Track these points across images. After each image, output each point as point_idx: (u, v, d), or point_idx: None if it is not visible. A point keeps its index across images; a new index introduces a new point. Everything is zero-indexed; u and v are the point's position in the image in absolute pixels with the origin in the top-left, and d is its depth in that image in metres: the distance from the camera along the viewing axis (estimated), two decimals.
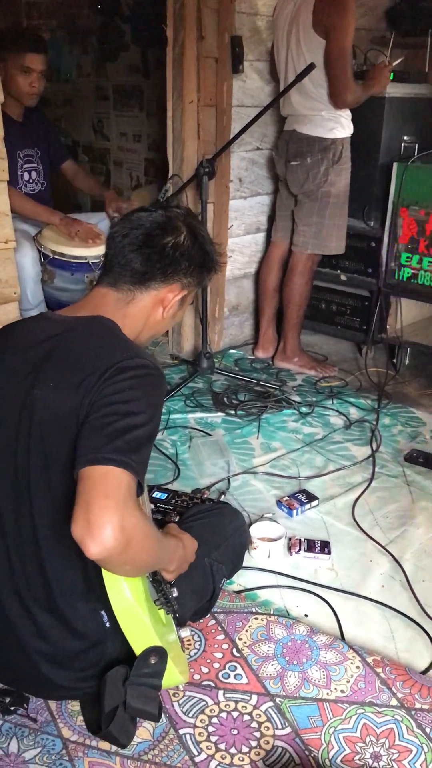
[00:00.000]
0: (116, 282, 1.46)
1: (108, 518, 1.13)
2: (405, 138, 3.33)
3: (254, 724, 1.51)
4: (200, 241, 1.51)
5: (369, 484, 2.43)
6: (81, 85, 5.09)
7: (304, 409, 2.97)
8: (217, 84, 3.11)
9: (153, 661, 1.39)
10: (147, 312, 1.48)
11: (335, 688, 1.59)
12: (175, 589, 1.52)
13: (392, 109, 3.24)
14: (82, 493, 1.16)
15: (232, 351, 3.60)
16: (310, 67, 2.75)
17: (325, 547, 2.08)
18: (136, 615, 1.35)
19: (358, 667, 1.64)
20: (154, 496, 2.15)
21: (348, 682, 1.60)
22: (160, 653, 1.40)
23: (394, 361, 3.41)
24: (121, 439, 1.20)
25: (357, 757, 1.44)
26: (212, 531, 1.78)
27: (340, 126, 2.98)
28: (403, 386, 3.23)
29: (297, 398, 3.06)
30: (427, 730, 1.49)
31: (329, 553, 2.06)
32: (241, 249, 3.51)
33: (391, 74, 3.14)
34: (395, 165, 3.11)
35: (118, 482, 1.17)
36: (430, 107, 3.46)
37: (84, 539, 1.13)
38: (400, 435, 2.79)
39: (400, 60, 3.19)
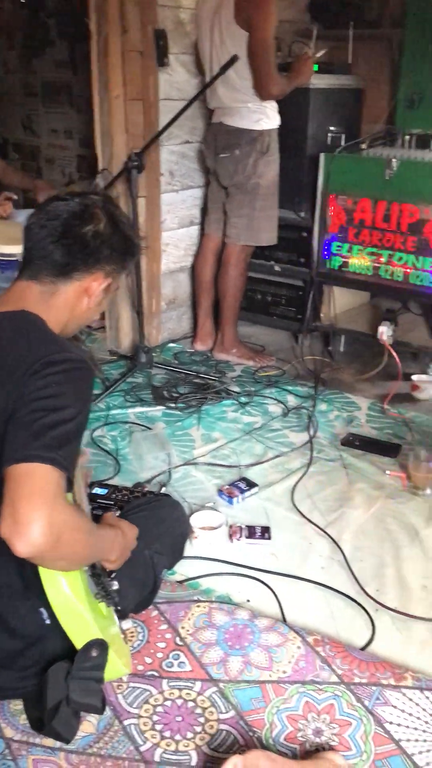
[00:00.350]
0: (37, 275, 1.44)
1: (35, 516, 1.12)
2: (331, 128, 3.39)
3: (198, 710, 1.53)
4: (120, 227, 1.49)
5: (307, 469, 2.47)
6: (8, 82, 5.01)
7: (243, 399, 3.00)
8: (142, 78, 3.10)
9: (94, 655, 1.40)
10: (71, 303, 1.47)
11: (277, 669, 1.62)
12: (115, 582, 1.53)
13: (317, 100, 3.29)
14: (8, 492, 1.15)
15: (171, 345, 3.60)
16: (233, 59, 2.77)
17: (265, 532, 2.11)
18: (75, 609, 1.36)
19: (299, 648, 1.68)
20: (94, 492, 2.14)
21: (289, 662, 1.64)
22: (101, 646, 1.40)
23: (330, 348, 3.47)
24: (47, 435, 1.20)
25: (299, 734, 1.48)
26: (152, 523, 1.78)
27: (267, 117, 3.01)
28: (339, 372, 3.29)
29: (236, 388, 3.09)
30: (366, 702, 1.53)
31: (270, 538, 2.09)
32: (176, 242, 3.51)
33: (315, 66, 3.19)
34: (322, 155, 3.16)
35: (45, 479, 1.17)
36: (354, 98, 3.53)
37: (11, 538, 1.13)
38: (336, 420, 2.84)
39: (323, 51, 3.24)
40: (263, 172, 3.08)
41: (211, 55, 3.00)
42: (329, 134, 3.38)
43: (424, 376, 3.09)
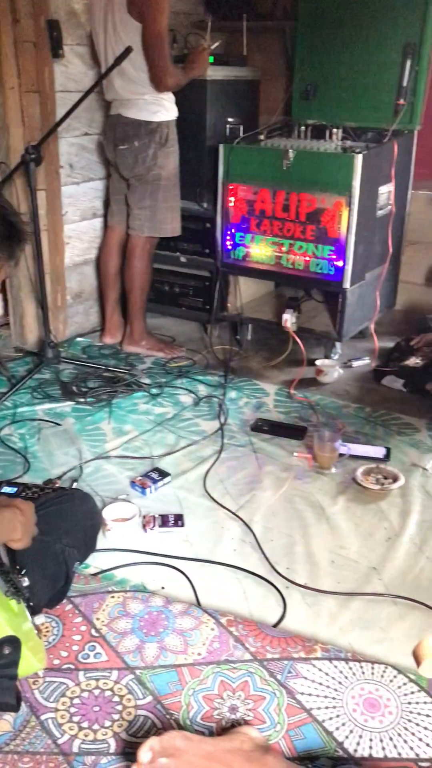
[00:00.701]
0: None
1: None
2: (230, 119, 3.43)
3: (116, 698, 1.54)
4: (3, 213, 1.47)
5: (218, 456, 2.52)
6: None
7: (154, 391, 3.01)
8: (37, 69, 3.05)
9: (6, 652, 1.39)
10: None
11: (192, 652, 1.65)
12: (26, 578, 1.52)
13: (214, 91, 3.33)
14: None
15: (79, 339, 3.57)
16: (127, 51, 2.76)
17: (178, 520, 2.14)
18: None
19: (212, 629, 1.71)
20: (3, 491, 2.11)
21: (204, 644, 1.67)
22: (13, 643, 1.39)
23: (238, 337, 3.53)
24: None
25: (216, 713, 1.51)
26: (61, 517, 1.78)
27: (164, 109, 3.02)
28: (247, 360, 3.36)
29: (147, 380, 3.10)
30: (279, 677, 1.59)
31: (183, 525, 2.12)
32: (79, 235, 3.48)
33: (211, 57, 3.22)
34: (221, 146, 3.20)
35: None
36: (251, 89, 3.59)
37: None
38: (246, 407, 2.90)
39: (218, 43, 3.28)
40: (163, 163, 3.09)
41: (106, 47, 2.98)
42: (228, 125, 3.43)
43: (327, 361, 3.19)
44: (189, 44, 3.45)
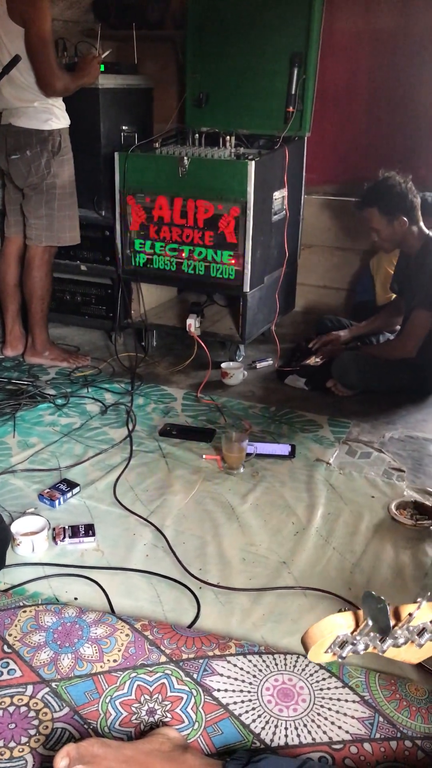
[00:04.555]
0: None
1: None
2: (124, 128, 3.45)
3: (32, 714, 1.52)
4: None
5: (128, 463, 2.52)
6: None
7: (59, 401, 2.98)
8: None
9: None
10: None
11: (108, 660, 1.65)
12: None
13: (107, 99, 3.33)
14: None
15: None
16: (15, 60, 2.74)
17: (89, 530, 2.13)
18: None
19: (128, 635, 1.72)
20: None
21: (119, 651, 1.68)
22: None
23: (143, 343, 3.54)
24: None
25: (133, 717, 1.52)
26: None
27: (55, 117, 3.00)
28: (154, 366, 3.37)
29: (52, 391, 3.06)
30: (195, 676, 1.61)
31: (94, 534, 2.11)
32: None
33: (102, 66, 3.22)
34: (117, 154, 3.20)
35: None
36: (144, 97, 3.61)
37: None
38: (154, 412, 2.92)
39: (109, 51, 3.28)
40: (57, 172, 3.07)
41: None
42: (122, 133, 3.44)
43: (232, 363, 3.25)
44: (79, 53, 3.44)
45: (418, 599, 0.97)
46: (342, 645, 0.98)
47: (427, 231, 3.00)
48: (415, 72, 3.53)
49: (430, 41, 3.49)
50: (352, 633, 0.96)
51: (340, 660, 0.97)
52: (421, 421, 2.87)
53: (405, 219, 2.92)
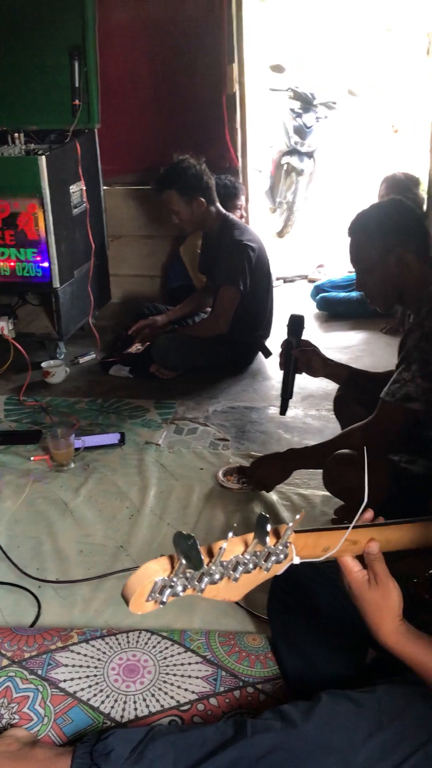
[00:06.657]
0: None
1: None
2: None
3: None
4: None
5: None
6: None
7: None
8: None
9: None
10: None
11: None
12: None
13: None
14: None
15: None
16: None
17: None
18: None
19: None
20: None
21: None
22: None
23: None
24: None
25: None
26: None
27: None
28: None
29: None
30: (39, 672, 1.60)
31: None
32: None
33: None
34: None
35: None
36: None
37: None
38: None
39: None
40: None
41: None
42: None
43: (53, 362, 3.21)
44: None
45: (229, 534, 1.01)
46: (161, 591, 1.00)
47: (224, 211, 3.13)
48: (190, 58, 3.63)
49: (194, 28, 3.60)
50: (168, 576, 0.99)
51: (161, 606, 0.99)
52: (241, 392, 3.00)
53: (202, 199, 3.03)
